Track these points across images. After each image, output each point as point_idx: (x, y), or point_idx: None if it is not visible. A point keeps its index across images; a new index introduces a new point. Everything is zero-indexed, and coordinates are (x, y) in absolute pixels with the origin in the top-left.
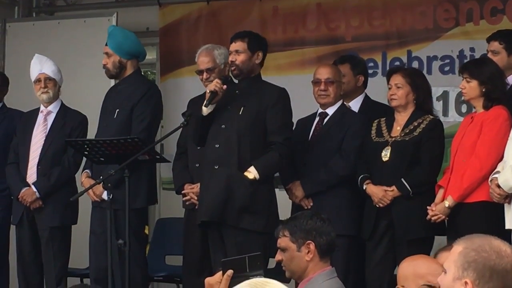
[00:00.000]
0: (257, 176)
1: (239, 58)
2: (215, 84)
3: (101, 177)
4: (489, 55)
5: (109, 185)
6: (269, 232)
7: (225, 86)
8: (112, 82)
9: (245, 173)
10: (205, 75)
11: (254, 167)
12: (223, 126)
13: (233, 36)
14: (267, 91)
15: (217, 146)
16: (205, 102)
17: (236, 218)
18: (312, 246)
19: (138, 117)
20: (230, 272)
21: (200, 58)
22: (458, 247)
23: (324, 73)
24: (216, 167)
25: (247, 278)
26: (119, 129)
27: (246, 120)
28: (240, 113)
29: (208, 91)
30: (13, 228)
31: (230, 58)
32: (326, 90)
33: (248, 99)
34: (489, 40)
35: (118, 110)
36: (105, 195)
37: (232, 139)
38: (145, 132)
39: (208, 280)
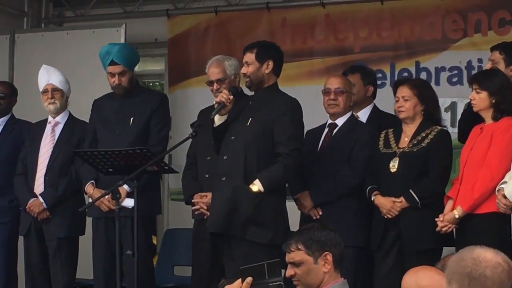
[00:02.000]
0: (262, 189)
1: (248, 70)
2: (223, 95)
3: (121, 181)
4: (488, 64)
5: (117, 195)
6: (276, 244)
7: (232, 97)
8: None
9: (250, 186)
10: (215, 86)
11: (259, 179)
12: (232, 137)
13: (244, 48)
14: (277, 101)
15: (225, 158)
16: (213, 112)
17: (241, 230)
18: (329, 257)
19: (157, 126)
20: (249, 279)
21: (211, 69)
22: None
23: (334, 83)
24: (224, 178)
25: (267, 285)
26: (137, 137)
27: (253, 131)
28: (248, 124)
29: (215, 102)
30: (21, 239)
31: (241, 70)
32: (335, 99)
33: (258, 110)
34: (492, 49)
35: (132, 118)
36: (129, 203)
37: (239, 151)
38: (164, 140)
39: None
